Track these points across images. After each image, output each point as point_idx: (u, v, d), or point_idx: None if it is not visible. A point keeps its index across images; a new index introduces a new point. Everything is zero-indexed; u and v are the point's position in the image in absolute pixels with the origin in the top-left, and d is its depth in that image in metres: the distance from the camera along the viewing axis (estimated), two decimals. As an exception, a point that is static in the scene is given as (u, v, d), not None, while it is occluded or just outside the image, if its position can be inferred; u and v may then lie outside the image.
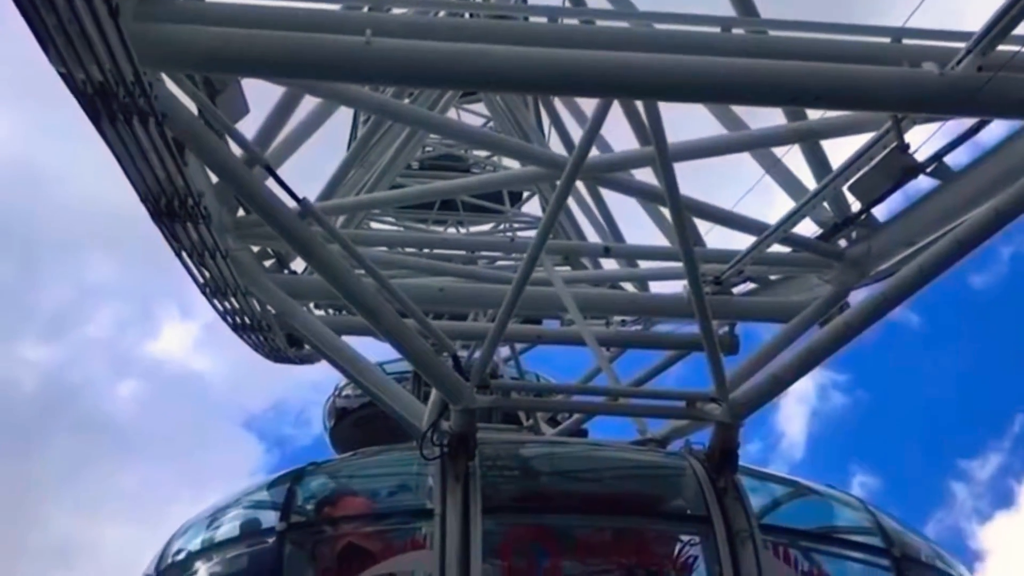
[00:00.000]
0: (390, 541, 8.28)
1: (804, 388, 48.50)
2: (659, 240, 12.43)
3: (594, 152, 10.10)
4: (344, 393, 20.96)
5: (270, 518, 8.52)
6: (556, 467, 9.72)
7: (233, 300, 10.81)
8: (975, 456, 51.98)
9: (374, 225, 17.98)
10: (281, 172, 8.63)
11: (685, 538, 8.47)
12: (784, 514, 8.88)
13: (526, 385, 13.93)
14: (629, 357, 13.65)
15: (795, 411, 45.75)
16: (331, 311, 13.52)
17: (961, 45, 6.39)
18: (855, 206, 9.88)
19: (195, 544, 8.70)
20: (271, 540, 8.29)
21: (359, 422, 19.66)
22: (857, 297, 9.97)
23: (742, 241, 10.97)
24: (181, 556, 8.63)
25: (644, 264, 12.88)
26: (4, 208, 46.06)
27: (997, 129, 8.09)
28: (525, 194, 21.05)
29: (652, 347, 12.49)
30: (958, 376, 46.64)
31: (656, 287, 12.78)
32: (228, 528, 8.78)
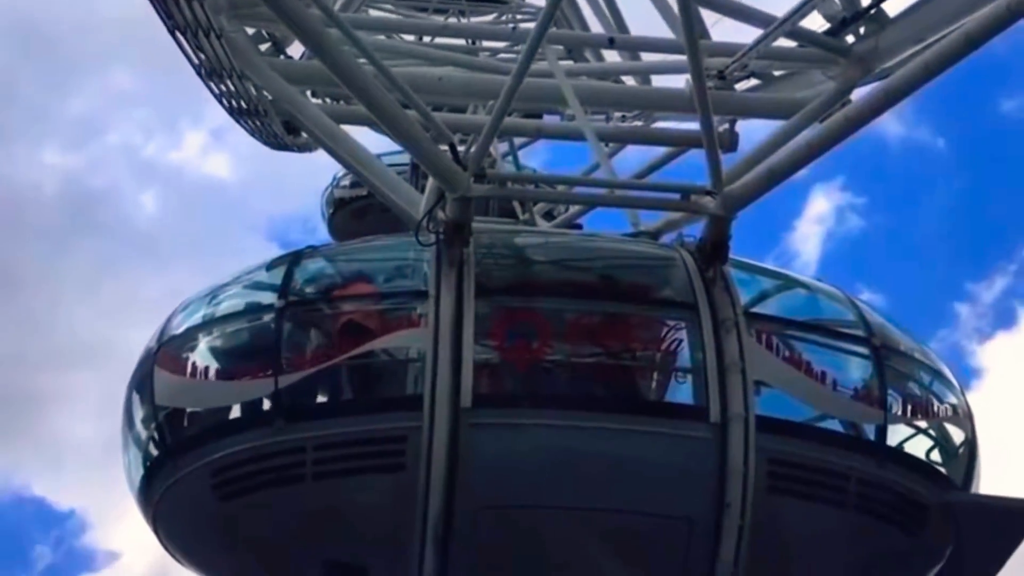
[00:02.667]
0: (385, 319, 8.51)
1: (821, 209, 48.69)
2: (664, 33, 12.17)
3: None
4: (342, 183, 21.01)
5: (268, 296, 8.73)
6: (549, 255, 9.88)
7: (229, 83, 10.71)
8: (982, 279, 52.70)
9: (372, 13, 17.49)
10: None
11: (671, 323, 8.71)
12: (769, 304, 9.08)
13: (522, 176, 13.89)
14: (627, 157, 13.63)
15: (811, 231, 46.09)
16: (328, 100, 13.37)
17: None
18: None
19: (195, 319, 8.92)
20: (269, 316, 8.52)
21: (357, 212, 19.82)
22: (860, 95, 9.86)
23: (748, 35, 10.77)
24: (181, 330, 8.88)
25: (647, 57, 12.66)
26: (29, 15, 44.70)
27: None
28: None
29: (651, 143, 12.43)
30: (977, 200, 46.69)
31: (659, 82, 12.61)
32: (228, 305, 8.99)
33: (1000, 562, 9.13)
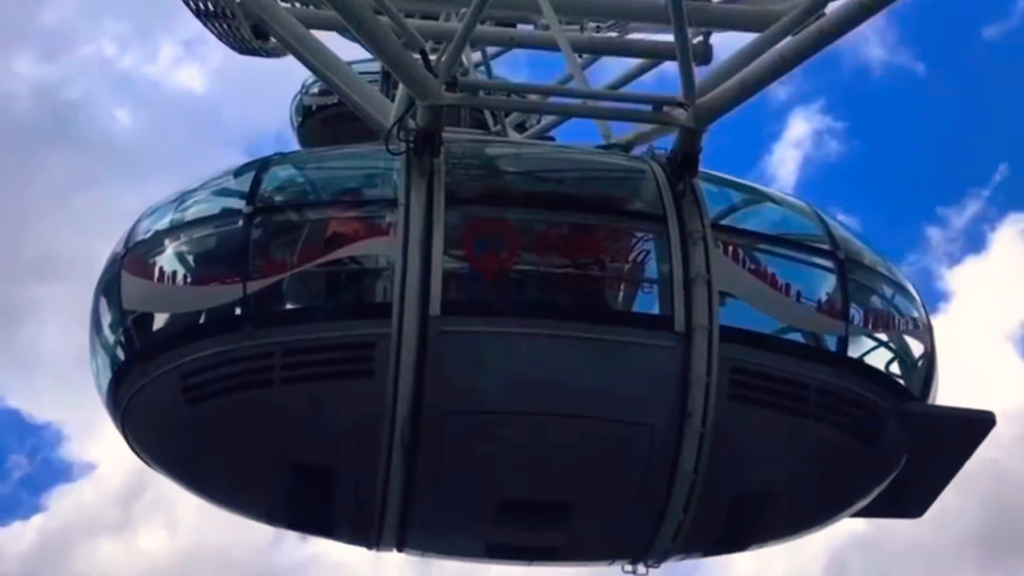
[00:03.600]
0: (354, 227, 8.49)
1: (800, 132, 48.93)
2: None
3: None
4: (311, 91, 20.68)
5: (236, 202, 8.67)
6: (520, 166, 9.85)
7: (195, -17, 10.49)
8: (954, 203, 53.33)
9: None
10: None
11: (639, 235, 8.76)
12: (737, 217, 9.12)
13: (494, 84, 13.71)
14: (601, 69, 13.51)
15: (788, 155, 46.29)
16: (297, 4, 13.12)
17: None
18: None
19: (163, 223, 8.86)
20: (237, 222, 8.47)
21: (327, 120, 19.55)
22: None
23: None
24: (149, 234, 8.81)
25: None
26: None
27: None
28: None
29: (625, 54, 12.32)
30: (955, 124, 46.83)
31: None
32: (195, 210, 8.92)
33: (954, 470, 9.41)
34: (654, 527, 8.53)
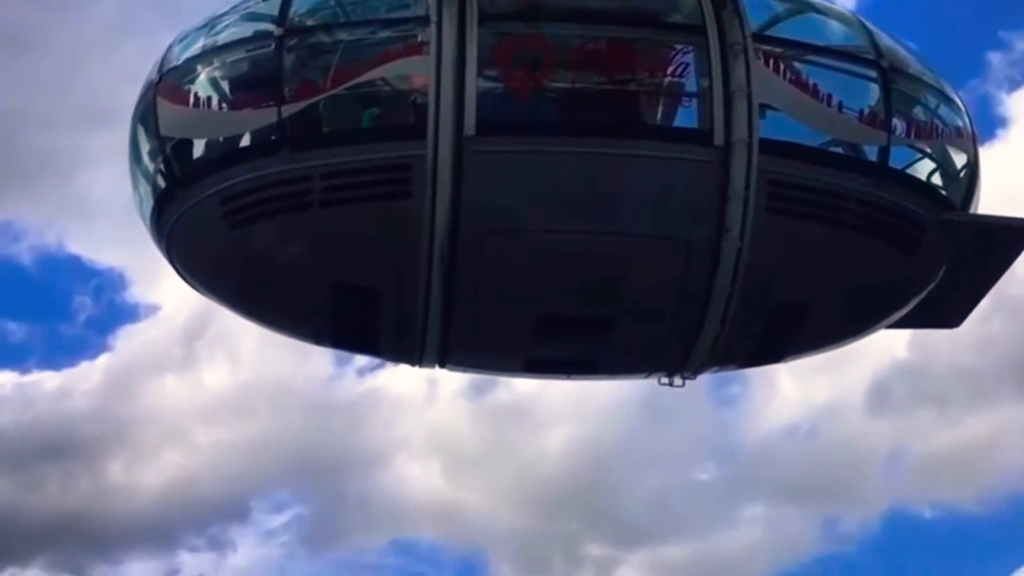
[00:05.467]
0: (385, 47, 8.36)
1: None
2: None
3: None
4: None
5: (267, 25, 8.52)
6: (554, -21, 9.53)
7: None
8: (1017, 27, 50.73)
9: None
10: None
11: (678, 48, 8.53)
12: (779, 27, 8.82)
13: None
14: None
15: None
16: None
17: None
18: None
19: (194, 49, 8.77)
20: (269, 45, 8.36)
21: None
22: None
23: None
24: (181, 61, 8.74)
25: None
26: None
27: None
28: None
29: None
30: None
31: None
32: (226, 34, 8.77)
33: (993, 280, 9.40)
34: (691, 340, 8.67)
